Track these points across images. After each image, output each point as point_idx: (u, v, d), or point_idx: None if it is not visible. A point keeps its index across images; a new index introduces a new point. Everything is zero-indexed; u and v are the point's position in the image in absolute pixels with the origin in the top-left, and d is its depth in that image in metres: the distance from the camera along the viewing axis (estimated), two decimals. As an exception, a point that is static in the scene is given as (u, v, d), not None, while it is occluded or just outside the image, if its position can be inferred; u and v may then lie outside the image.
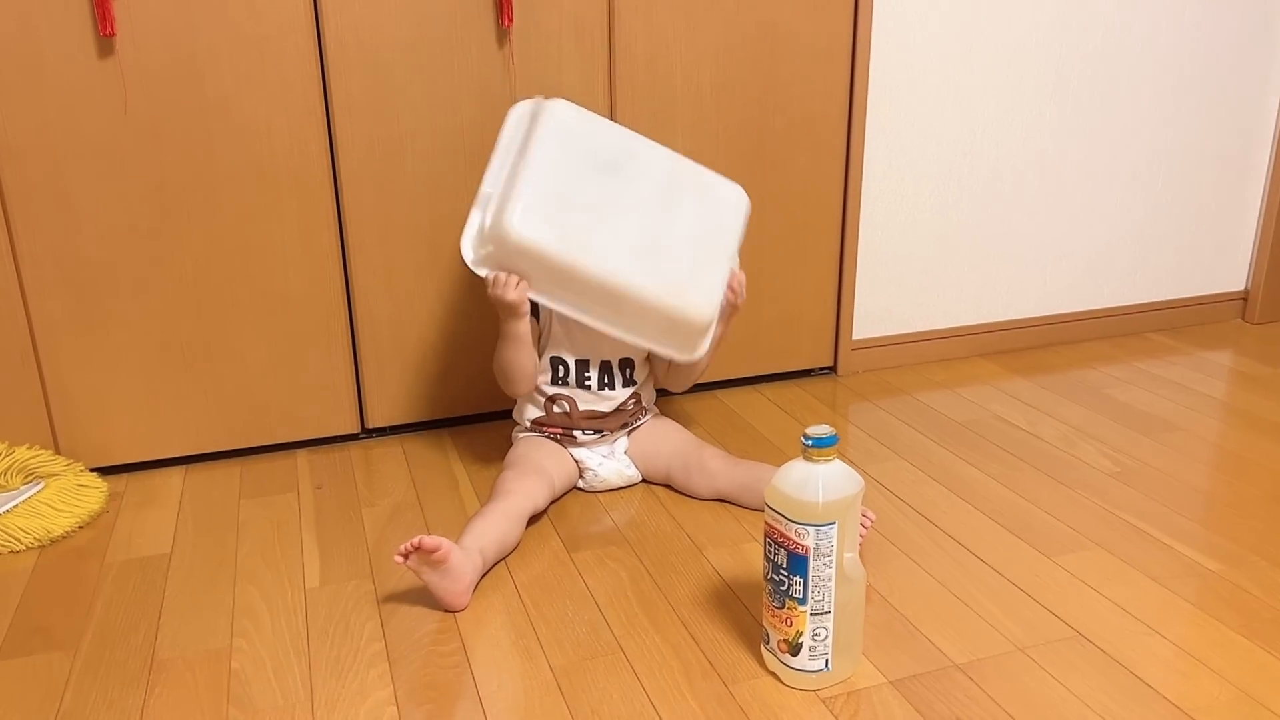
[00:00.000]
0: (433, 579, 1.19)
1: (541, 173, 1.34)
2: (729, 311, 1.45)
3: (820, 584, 1.02)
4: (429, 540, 1.16)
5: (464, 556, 1.21)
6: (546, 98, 1.43)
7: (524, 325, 1.38)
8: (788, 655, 1.06)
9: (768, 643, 1.09)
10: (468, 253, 1.36)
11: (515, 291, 1.33)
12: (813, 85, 1.77)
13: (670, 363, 1.48)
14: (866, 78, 1.80)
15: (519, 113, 1.43)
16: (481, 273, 1.36)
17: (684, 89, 1.69)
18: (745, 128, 1.75)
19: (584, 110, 1.41)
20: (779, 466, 1.41)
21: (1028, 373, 1.98)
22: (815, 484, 1.01)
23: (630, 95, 1.66)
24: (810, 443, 1.02)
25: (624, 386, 1.49)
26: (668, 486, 1.51)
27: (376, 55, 1.52)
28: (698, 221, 1.42)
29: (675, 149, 1.69)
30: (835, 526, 1.01)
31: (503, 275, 1.34)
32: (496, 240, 1.32)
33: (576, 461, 1.49)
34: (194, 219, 1.52)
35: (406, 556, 1.16)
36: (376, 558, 1.34)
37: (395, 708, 1.05)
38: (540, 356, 1.46)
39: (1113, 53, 1.98)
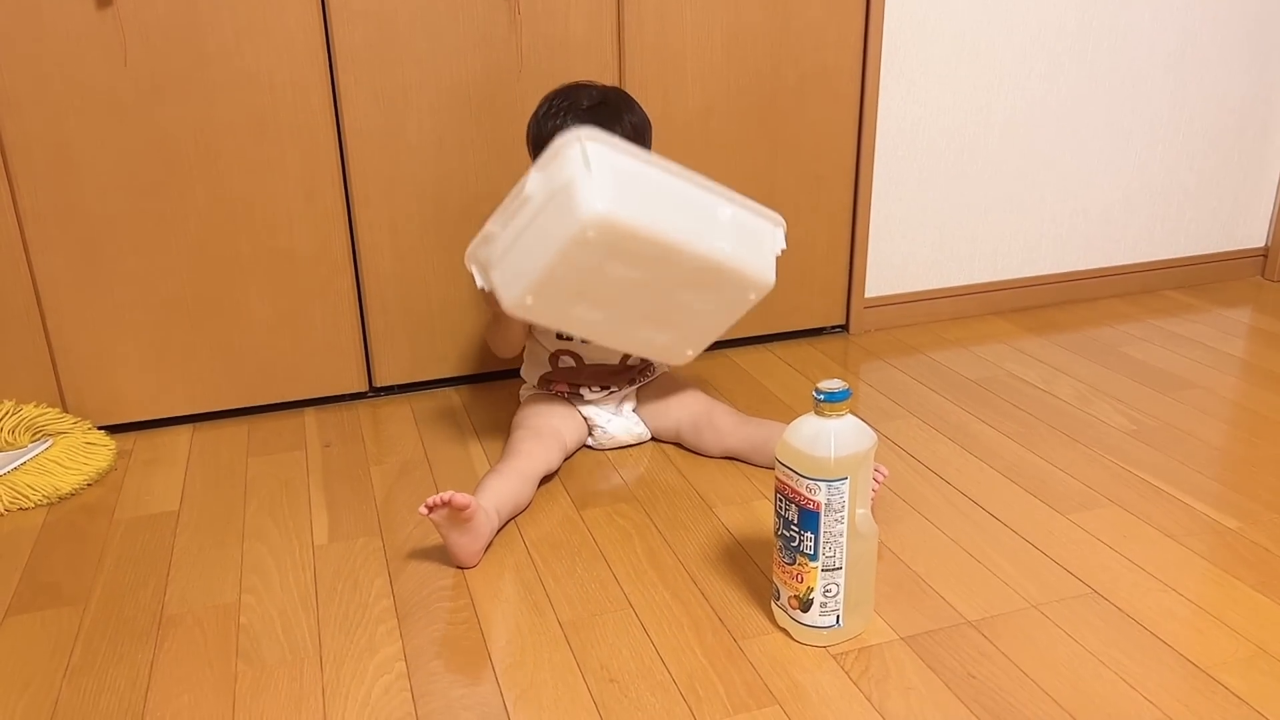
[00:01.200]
0: (453, 536, 1.18)
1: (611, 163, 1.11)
2: None
3: (832, 540, 1.01)
4: (459, 497, 1.15)
5: (485, 518, 1.20)
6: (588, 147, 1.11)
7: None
8: (798, 611, 1.05)
9: (778, 599, 1.08)
10: (481, 279, 1.20)
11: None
12: (827, 35, 1.73)
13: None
14: (881, 28, 1.76)
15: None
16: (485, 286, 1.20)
17: (694, 39, 1.65)
18: (757, 79, 1.71)
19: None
20: (784, 424, 1.41)
21: (1043, 331, 1.95)
22: (827, 439, 0.99)
23: (639, 45, 1.63)
24: (822, 397, 1.00)
25: None
26: (677, 445, 1.50)
27: (379, 4, 1.49)
28: (742, 213, 1.23)
29: (685, 101, 1.67)
30: (847, 482, 0.99)
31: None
32: (505, 295, 1.15)
33: (585, 419, 1.47)
34: (196, 173, 1.50)
35: (432, 510, 1.15)
36: (385, 515, 1.33)
37: (404, 663, 1.05)
38: None
39: (1132, 2, 1.93)
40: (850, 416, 1.01)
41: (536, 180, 1.12)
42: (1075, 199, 2.04)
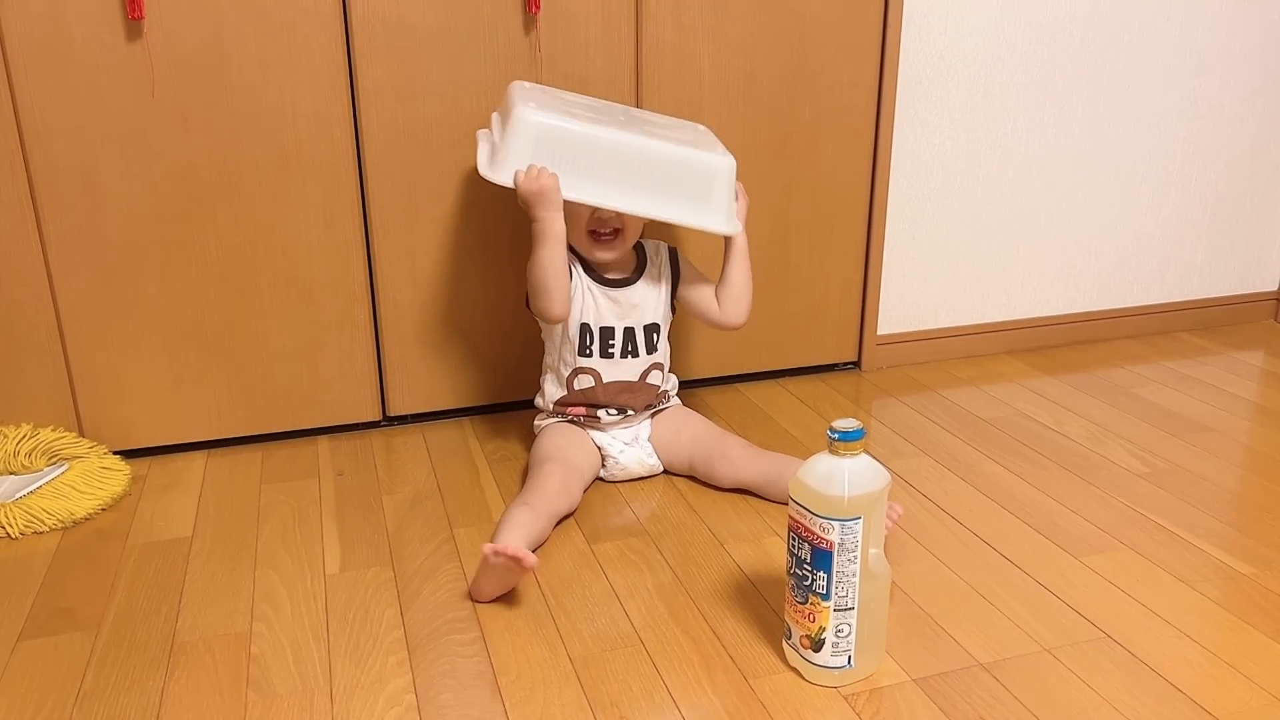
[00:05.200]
0: (494, 577, 1.18)
1: (536, 98, 1.41)
2: (741, 210, 1.48)
3: (844, 579, 1.01)
4: (528, 559, 1.15)
5: None
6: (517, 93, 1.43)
7: (560, 220, 1.37)
8: (810, 651, 1.05)
9: (789, 638, 1.07)
10: (490, 172, 1.38)
11: (549, 177, 1.33)
12: (842, 75, 1.75)
13: (723, 287, 1.48)
14: (896, 69, 1.78)
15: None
16: (503, 179, 1.36)
17: (711, 78, 1.67)
18: (773, 118, 1.73)
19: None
20: (803, 459, 1.42)
21: (1055, 371, 1.95)
22: (841, 478, 0.99)
23: (657, 84, 1.65)
24: (837, 436, 1.00)
25: (648, 353, 1.48)
26: (689, 477, 1.50)
27: (403, 41, 1.52)
28: (691, 145, 1.46)
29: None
30: (861, 521, 1.00)
31: (534, 168, 1.34)
32: (518, 138, 1.34)
33: (599, 449, 1.48)
34: (219, 203, 1.52)
35: (501, 556, 1.15)
36: (396, 545, 1.34)
37: (414, 695, 1.05)
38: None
39: (1146, 47, 1.95)
40: (865, 456, 1.02)
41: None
42: (1088, 240, 2.05)
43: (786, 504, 1.36)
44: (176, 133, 1.47)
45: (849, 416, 1.74)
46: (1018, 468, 1.55)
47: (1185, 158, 2.05)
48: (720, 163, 1.41)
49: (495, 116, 1.49)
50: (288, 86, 1.49)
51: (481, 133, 1.48)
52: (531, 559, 1.16)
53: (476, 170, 1.61)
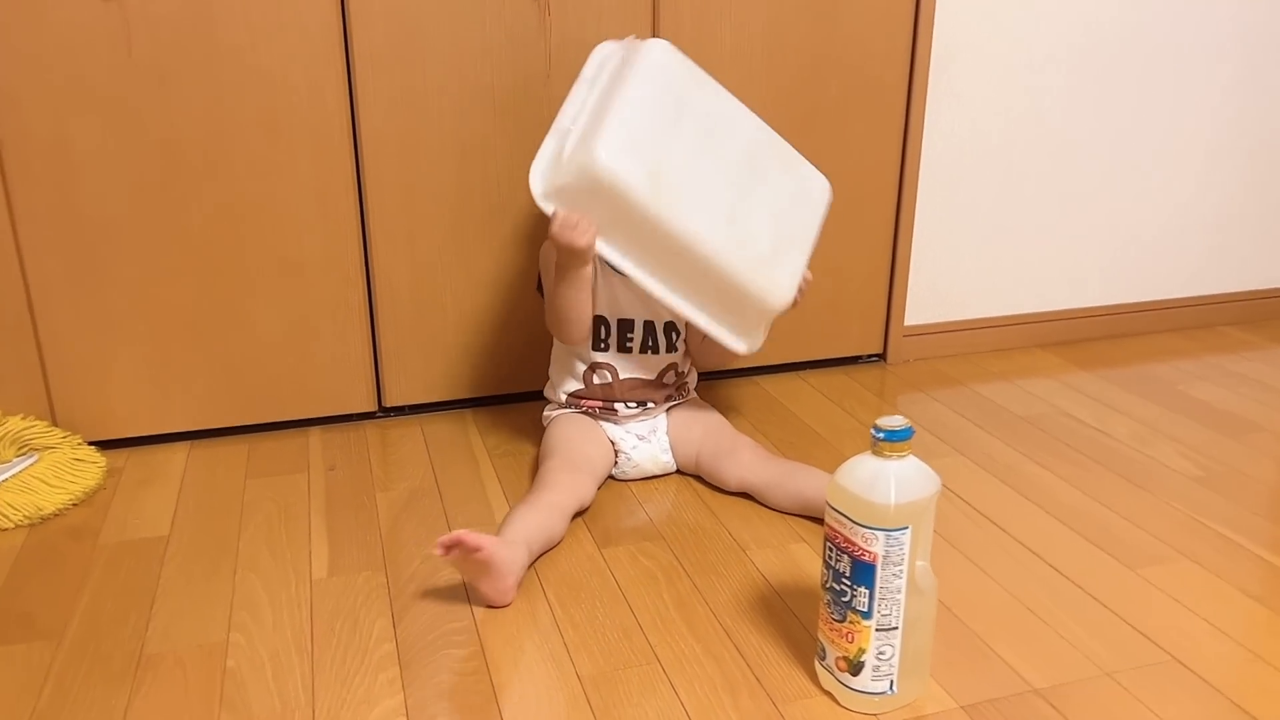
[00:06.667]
0: (475, 577, 1.09)
1: (635, 110, 1.20)
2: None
3: (888, 596, 0.90)
4: (470, 538, 1.04)
5: (509, 552, 1.10)
6: (639, 39, 1.31)
7: (589, 270, 1.26)
8: (847, 674, 0.94)
9: (823, 658, 0.97)
10: (536, 184, 1.23)
11: (587, 236, 1.20)
12: (872, 48, 1.63)
13: (703, 345, 1.38)
14: (930, 41, 1.66)
15: (605, 51, 1.33)
16: (548, 209, 1.22)
17: (733, 47, 1.56)
18: (798, 91, 1.62)
19: (683, 55, 1.30)
20: (812, 466, 1.31)
21: (1092, 366, 1.84)
22: (887, 483, 0.88)
23: (675, 53, 1.53)
24: (882, 435, 0.89)
25: (667, 351, 1.38)
26: (696, 476, 1.39)
27: (402, 2, 1.40)
28: (782, 200, 1.32)
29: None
30: (908, 532, 0.89)
31: (574, 216, 1.20)
32: (577, 172, 1.18)
33: (613, 443, 1.37)
34: (202, 176, 1.41)
35: (448, 550, 1.05)
36: (390, 548, 1.23)
37: (405, 718, 0.94)
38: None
39: (1195, 16, 1.83)
40: (912, 457, 0.91)
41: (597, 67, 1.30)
42: (1127, 227, 1.93)
43: (786, 512, 1.30)
44: (156, 99, 1.36)
45: (875, 413, 1.64)
46: (1061, 470, 1.43)
47: (1231, 140, 1.93)
48: (776, 298, 1.27)
49: (584, 86, 1.29)
50: (277, 50, 1.38)
51: (560, 123, 1.26)
52: (473, 539, 1.04)
53: (481, 147, 1.51)
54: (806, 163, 1.38)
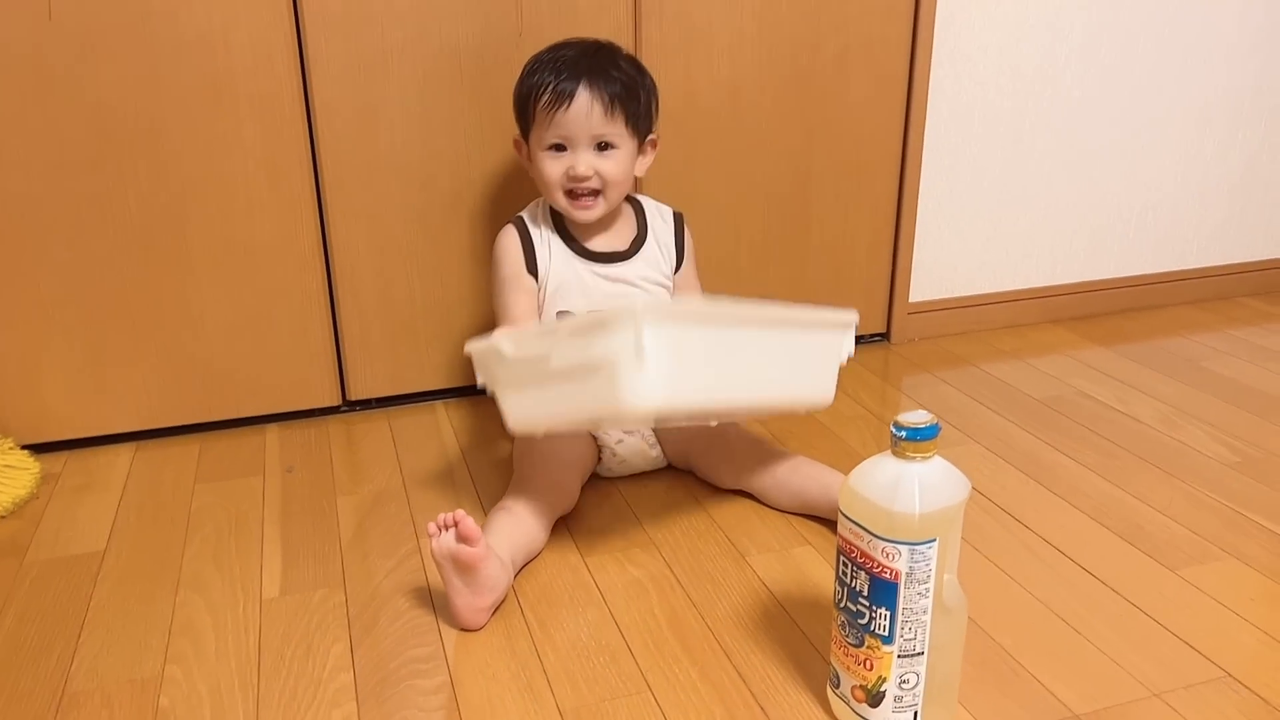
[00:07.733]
0: (457, 585, 0.96)
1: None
2: None
3: (912, 618, 0.78)
4: (469, 525, 0.94)
5: (497, 569, 0.98)
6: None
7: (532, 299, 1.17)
8: (865, 705, 0.82)
9: (837, 686, 0.85)
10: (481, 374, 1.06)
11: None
12: (873, 3, 1.50)
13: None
14: (935, -6, 1.53)
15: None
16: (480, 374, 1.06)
17: (723, 4, 1.43)
18: (793, 50, 1.48)
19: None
20: (815, 460, 1.19)
21: (1109, 341, 1.72)
22: (910, 489, 0.76)
23: (659, 11, 1.40)
24: (904, 434, 0.77)
25: None
26: (690, 471, 1.28)
27: (355, -47, 1.27)
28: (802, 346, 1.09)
29: (710, 76, 1.45)
30: (935, 545, 0.77)
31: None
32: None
33: (594, 438, 1.25)
34: (137, 149, 1.27)
35: (442, 530, 0.95)
36: (350, 561, 1.11)
37: (361, 764, 0.82)
38: (542, 312, 1.22)
39: (1219, -30, 1.70)
40: (938, 458, 0.79)
41: (569, 347, 0.95)
42: (1144, 194, 1.81)
43: (788, 511, 1.17)
44: (81, 65, 1.22)
45: (876, 396, 1.52)
46: (1085, 457, 1.32)
47: (1255, 100, 1.81)
48: (825, 400, 1.09)
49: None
50: (217, 8, 1.25)
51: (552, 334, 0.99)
52: (471, 527, 0.94)
53: (448, 114, 1.38)
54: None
